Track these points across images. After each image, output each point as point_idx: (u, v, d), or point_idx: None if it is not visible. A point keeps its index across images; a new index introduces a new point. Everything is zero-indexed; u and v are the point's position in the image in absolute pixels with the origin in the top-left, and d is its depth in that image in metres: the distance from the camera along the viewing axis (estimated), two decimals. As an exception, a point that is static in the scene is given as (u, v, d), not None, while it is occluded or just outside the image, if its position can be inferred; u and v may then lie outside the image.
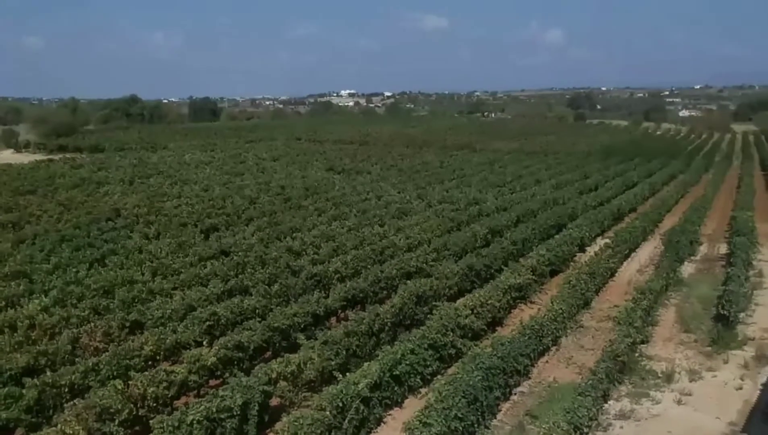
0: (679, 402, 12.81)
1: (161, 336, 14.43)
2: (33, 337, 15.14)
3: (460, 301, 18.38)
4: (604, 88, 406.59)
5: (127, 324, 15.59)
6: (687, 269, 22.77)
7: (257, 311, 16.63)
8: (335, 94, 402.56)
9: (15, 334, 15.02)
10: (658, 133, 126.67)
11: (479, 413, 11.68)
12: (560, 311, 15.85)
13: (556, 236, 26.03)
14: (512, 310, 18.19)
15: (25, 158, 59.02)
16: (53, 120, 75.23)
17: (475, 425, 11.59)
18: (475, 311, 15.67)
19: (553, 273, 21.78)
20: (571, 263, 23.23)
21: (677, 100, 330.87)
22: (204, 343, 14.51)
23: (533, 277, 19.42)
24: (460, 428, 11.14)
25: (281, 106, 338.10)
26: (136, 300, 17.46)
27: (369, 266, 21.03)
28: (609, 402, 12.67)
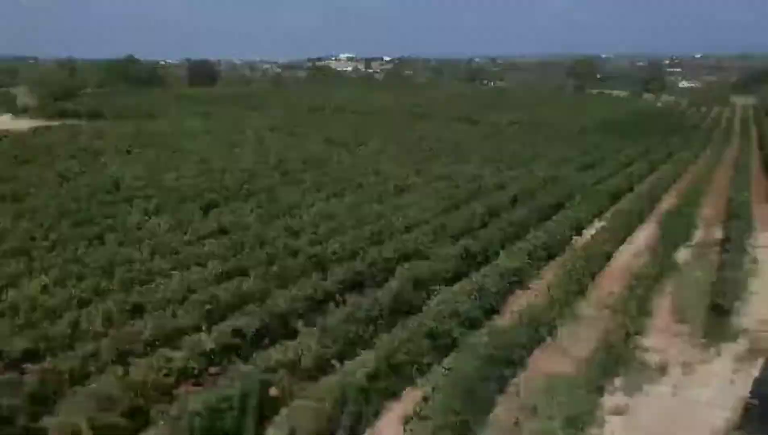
0: (672, 395, 13.02)
1: (161, 320, 14.58)
2: (33, 320, 15.27)
3: (457, 285, 18.63)
4: (604, 56, 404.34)
5: (127, 307, 15.71)
6: (683, 254, 22.91)
7: (256, 294, 16.78)
8: (334, 58, 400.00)
9: (16, 317, 15.16)
10: (659, 105, 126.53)
11: (476, 405, 11.86)
12: (556, 299, 16.01)
13: (554, 217, 26.29)
14: (509, 296, 18.32)
15: (23, 124, 58.85)
16: (51, 82, 74.78)
17: (472, 417, 11.78)
18: (471, 297, 15.80)
19: (550, 257, 21.92)
20: (568, 246, 23.40)
21: (677, 69, 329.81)
22: (203, 327, 14.63)
23: (530, 261, 19.56)
24: (457, 420, 11.33)
25: (279, 70, 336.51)
26: (135, 281, 17.60)
27: (367, 247, 21.21)
28: (604, 395, 12.85)
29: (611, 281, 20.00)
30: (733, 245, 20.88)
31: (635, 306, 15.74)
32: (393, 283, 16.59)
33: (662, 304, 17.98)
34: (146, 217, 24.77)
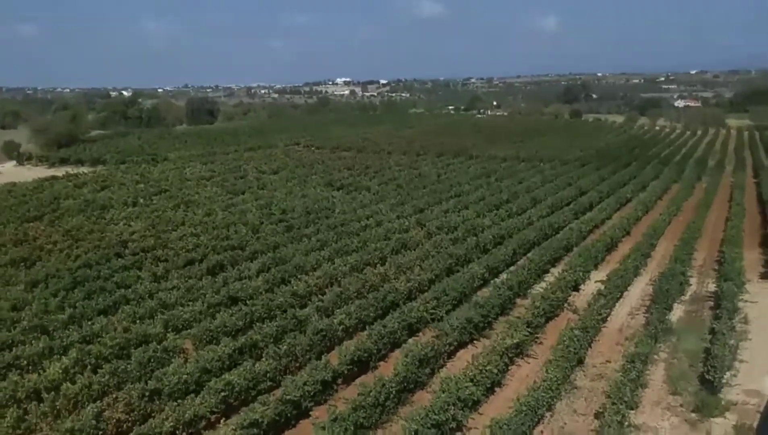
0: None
1: (180, 410, 15.41)
2: (57, 407, 16.09)
3: (461, 353, 19.69)
4: (600, 74, 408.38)
5: (147, 393, 16.50)
6: (676, 312, 23.71)
7: (268, 375, 17.66)
8: (331, 82, 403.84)
9: (41, 405, 15.97)
10: (656, 128, 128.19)
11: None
12: (555, 379, 16.77)
13: (553, 270, 27.86)
14: (509, 367, 19.10)
15: (27, 172, 59.89)
16: (54, 130, 75.95)
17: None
18: (474, 381, 16.58)
19: (549, 319, 22.72)
20: (566, 305, 24.25)
21: (673, 86, 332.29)
22: (222, 421, 15.47)
23: (529, 330, 20.34)
24: None
25: (276, 95, 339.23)
26: (152, 360, 18.41)
27: (372, 314, 22.18)
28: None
29: (607, 347, 20.83)
30: (723, 311, 21.60)
31: (629, 388, 16.41)
32: (399, 366, 17.32)
33: (656, 374, 18.79)
34: (156, 283, 25.62)
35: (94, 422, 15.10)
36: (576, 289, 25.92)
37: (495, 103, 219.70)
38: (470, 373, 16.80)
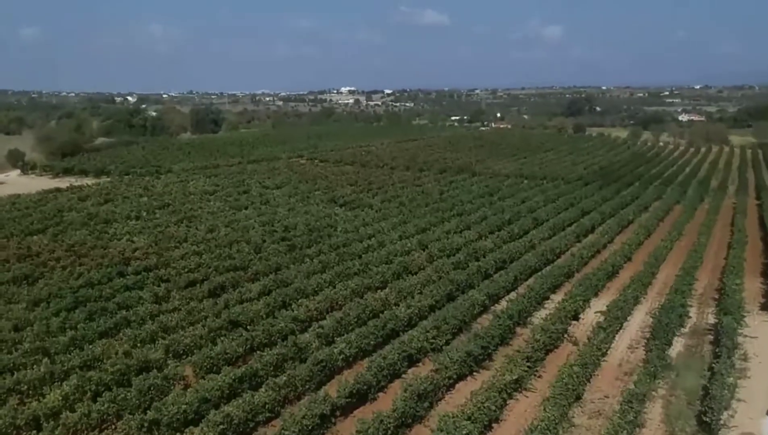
0: None
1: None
2: (57, 437, 16.16)
3: (459, 386, 19.79)
4: (604, 88, 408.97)
5: (145, 424, 16.56)
6: (676, 346, 23.69)
7: (267, 406, 17.72)
8: (335, 91, 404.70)
9: (40, 434, 16.04)
10: (660, 144, 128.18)
11: None
12: (552, 418, 16.78)
13: (553, 297, 28.12)
14: (508, 402, 19.12)
15: (31, 182, 60.05)
16: (58, 138, 76.32)
17: None
18: (472, 418, 16.61)
19: (548, 352, 22.73)
20: (566, 336, 24.26)
21: (677, 100, 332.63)
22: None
23: (528, 365, 20.38)
24: None
25: (281, 103, 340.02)
26: (152, 388, 18.46)
27: (372, 342, 22.29)
28: None
29: (606, 382, 20.83)
30: (723, 349, 21.58)
31: (627, 422, 16.44)
32: (398, 402, 17.36)
33: (654, 412, 18.79)
34: (157, 305, 25.66)
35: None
36: (576, 318, 25.95)
37: (498, 115, 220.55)
38: (468, 411, 16.83)
